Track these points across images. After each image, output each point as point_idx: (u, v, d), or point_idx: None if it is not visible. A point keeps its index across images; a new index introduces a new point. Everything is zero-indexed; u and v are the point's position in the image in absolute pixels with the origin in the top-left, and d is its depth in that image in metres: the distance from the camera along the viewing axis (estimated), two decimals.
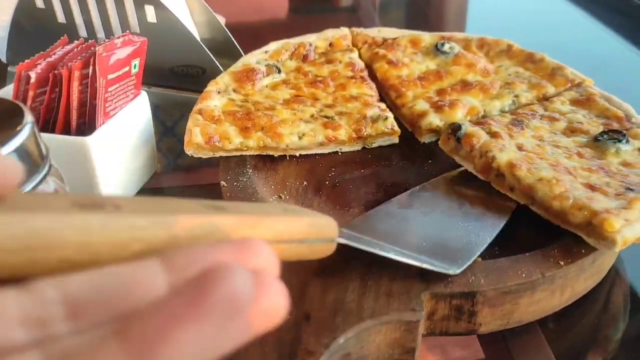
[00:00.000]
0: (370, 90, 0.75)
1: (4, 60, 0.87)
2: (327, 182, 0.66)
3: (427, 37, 0.84)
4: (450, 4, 1.57)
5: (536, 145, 0.62)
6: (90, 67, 0.61)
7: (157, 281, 0.25)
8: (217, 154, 0.66)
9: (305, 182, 0.66)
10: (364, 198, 0.63)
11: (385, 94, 0.78)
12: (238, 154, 0.66)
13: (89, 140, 0.60)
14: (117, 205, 0.26)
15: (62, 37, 0.66)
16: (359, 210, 0.61)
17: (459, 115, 0.70)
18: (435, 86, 0.76)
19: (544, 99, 0.72)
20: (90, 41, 0.65)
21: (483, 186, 0.61)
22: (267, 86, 0.75)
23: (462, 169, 0.64)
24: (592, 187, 0.55)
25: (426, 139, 0.71)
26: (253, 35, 1.25)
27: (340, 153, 0.70)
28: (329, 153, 0.70)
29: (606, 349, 0.55)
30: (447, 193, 0.62)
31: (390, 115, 0.71)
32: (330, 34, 0.84)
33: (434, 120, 0.70)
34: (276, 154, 0.68)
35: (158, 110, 0.86)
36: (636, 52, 1.12)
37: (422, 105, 0.72)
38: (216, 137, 0.65)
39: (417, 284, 0.49)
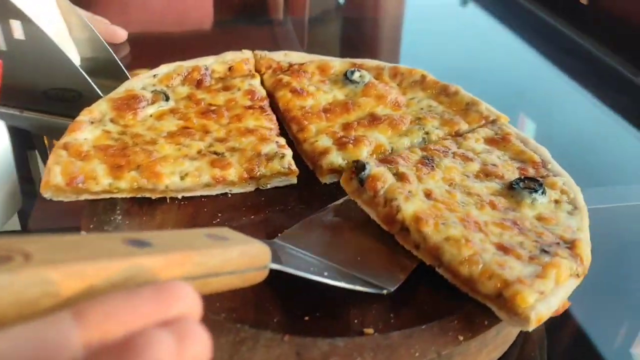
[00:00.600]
0: (269, 123, 0.67)
1: None
2: None
3: (337, 64, 0.77)
4: (384, 27, 1.52)
5: (446, 191, 0.55)
6: None
7: (70, 340, 0.23)
8: (82, 197, 0.57)
9: None
10: None
11: (287, 126, 0.70)
12: (107, 196, 0.57)
13: None
14: (27, 253, 0.24)
15: None
16: None
17: (363, 153, 0.63)
18: (341, 119, 0.69)
19: (457, 136, 0.66)
20: None
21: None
22: (151, 116, 0.66)
23: None
24: (504, 249, 0.48)
25: (327, 179, 0.64)
26: (172, 48, 1.16)
27: (229, 195, 0.62)
28: (217, 195, 0.62)
29: None
30: None
31: (288, 152, 0.63)
32: (230, 57, 0.76)
33: (336, 159, 0.63)
34: (154, 197, 0.59)
35: (30, 137, 0.76)
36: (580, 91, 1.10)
37: (324, 142, 0.65)
38: (80, 178, 0.56)
39: None
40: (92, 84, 0.69)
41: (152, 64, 0.74)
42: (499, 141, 0.64)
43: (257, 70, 0.77)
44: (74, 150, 0.58)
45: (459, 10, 1.47)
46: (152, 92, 0.68)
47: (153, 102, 0.67)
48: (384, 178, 0.55)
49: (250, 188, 0.63)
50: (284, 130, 0.70)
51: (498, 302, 0.45)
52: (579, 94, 1.08)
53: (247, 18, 1.43)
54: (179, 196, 0.60)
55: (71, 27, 0.74)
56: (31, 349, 0.22)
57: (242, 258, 0.36)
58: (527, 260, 0.47)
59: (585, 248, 0.49)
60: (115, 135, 0.62)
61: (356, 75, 0.74)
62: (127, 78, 0.71)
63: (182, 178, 0.59)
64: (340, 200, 0.60)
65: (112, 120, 0.64)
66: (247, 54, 0.78)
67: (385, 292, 0.47)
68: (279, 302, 0.50)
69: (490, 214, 0.53)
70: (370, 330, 0.46)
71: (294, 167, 0.63)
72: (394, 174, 0.56)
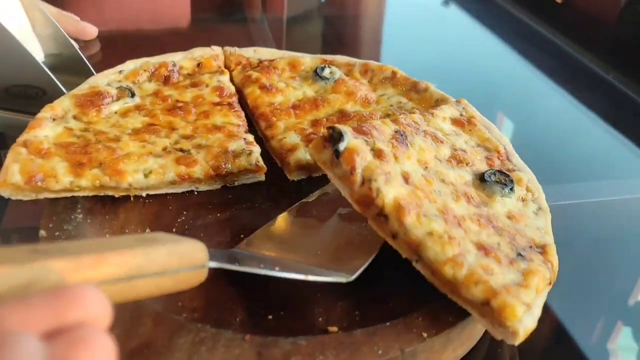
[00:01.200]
0: (237, 120, 0.66)
1: None
2: (174, 229, 0.56)
3: (307, 60, 0.77)
4: (365, 26, 1.51)
5: (422, 176, 0.52)
6: None
7: None
8: (41, 196, 0.55)
9: (148, 229, 0.56)
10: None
11: (256, 123, 0.69)
12: (68, 195, 0.56)
13: None
14: None
15: None
16: None
17: None
18: (310, 116, 0.68)
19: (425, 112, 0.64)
20: None
21: None
22: (116, 112, 0.65)
23: None
24: (485, 250, 0.47)
25: (295, 176, 0.63)
26: (147, 46, 1.14)
27: (196, 193, 0.61)
28: (183, 193, 0.61)
29: None
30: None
31: (256, 149, 0.62)
32: (199, 53, 0.75)
33: (304, 156, 0.62)
34: (117, 195, 0.58)
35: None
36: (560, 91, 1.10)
37: (292, 139, 0.64)
38: (39, 176, 0.54)
39: None
40: (55, 80, 0.67)
41: (124, 62, 0.72)
42: (465, 123, 0.62)
43: (227, 67, 0.76)
44: (34, 147, 0.57)
45: (440, 10, 1.47)
46: (117, 88, 0.67)
47: (118, 99, 0.66)
48: (364, 152, 0.50)
49: (217, 185, 0.62)
50: (253, 127, 0.69)
51: (483, 310, 0.44)
52: (554, 92, 1.08)
53: (224, 16, 1.42)
54: (143, 194, 0.59)
55: (34, 23, 0.73)
56: None
57: (172, 257, 0.35)
58: (507, 265, 0.46)
59: (554, 254, 0.49)
60: (78, 132, 0.61)
61: (326, 72, 0.73)
62: (93, 74, 0.69)
63: (146, 176, 0.58)
64: (312, 197, 0.59)
65: (74, 117, 0.63)
66: (216, 50, 0.77)
67: (344, 280, 0.47)
68: (243, 301, 0.49)
69: (465, 207, 0.51)
70: (334, 328, 0.46)
71: (261, 164, 0.62)
72: (371, 149, 0.51)
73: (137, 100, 0.67)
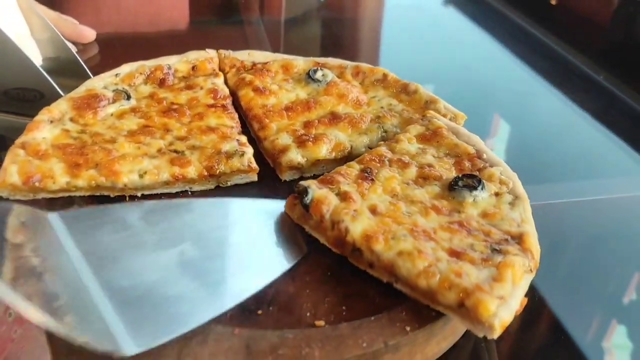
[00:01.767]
0: (231, 121, 0.68)
1: None
2: None
3: (300, 63, 0.78)
4: (363, 28, 1.53)
5: (389, 203, 0.55)
6: None
7: None
8: (39, 196, 0.57)
9: None
10: None
11: (249, 124, 0.71)
12: (66, 194, 0.58)
13: None
14: None
15: None
16: None
17: (322, 151, 0.64)
18: (302, 117, 0.70)
19: (389, 140, 0.65)
20: None
21: None
22: (112, 115, 0.67)
23: None
24: (457, 254, 0.49)
25: (287, 176, 0.65)
26: (145, 48, 1.16)
27: (190, 193, 0.63)
28: (177, 193, 0.62)
29: None
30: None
31: (248, 150, 0.64)
32: (194, 56, 0.77)
33: (295, 156, 0.64)
34: (113, 195, 0.59)
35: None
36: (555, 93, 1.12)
37: (284, 140, 0.66)
38: (37, 177, 0.56)
39: (241, 359, 0.42)
40: (53, 83, 0.69)
41: (122, 65, 0.74)
42: (431, 136, 0.64)
43: (221, 69, 0.78)
44: (32, 149, 0.59)
45: (437, 13, 1.48)
46: (113, 91, 0.68)
47: (114, 101, 0.68)
48: (328, 200, 0.54)
49: (210, 186, 0.63)
50: (246, 128, 0.71)
51: (461, 312, 0.45)
52: (548, 92, 1.10)
53: (222, 18, 1.44)
54: (138, 194, 0.60)
55: (32, 27, 0.74)
56: None
57: None
58: (480, 263, 0.47)
59: (533, 241, 0.50)
60: (75, 134, 0.63)
61: (319, 74, 0.75)
62: (90, 77, 0.71)
63: (141, 176, 0.59)
64: None
65: (71, 120, 0.64)
66: (211, 53, 0.78)
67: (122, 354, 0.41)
68: None
69: (436, 219, 0.53)
70: (321, 323, 0.47)
71: (254, 164, 0.63)
72: (337, 194, 0.55)
73: (132, 102, 0.69)
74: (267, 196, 0.63)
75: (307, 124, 0.68)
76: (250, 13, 1.45)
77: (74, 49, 0.79)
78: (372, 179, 0.57)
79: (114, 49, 1.09)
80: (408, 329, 0.46)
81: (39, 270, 0.42)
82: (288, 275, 0.52)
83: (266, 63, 0.78)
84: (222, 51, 0.79)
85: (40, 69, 0.68)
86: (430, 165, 0.59)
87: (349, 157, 0.65)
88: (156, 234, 0.49)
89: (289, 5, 1.53)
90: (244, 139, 0.66)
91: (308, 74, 0.75)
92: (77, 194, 0.58)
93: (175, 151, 0.63)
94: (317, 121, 0.69)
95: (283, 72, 0.77)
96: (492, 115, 1.05)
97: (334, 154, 0.65)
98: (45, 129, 0.62)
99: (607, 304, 0.64)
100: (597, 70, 1.09)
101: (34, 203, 0.58)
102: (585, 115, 1.02)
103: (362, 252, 0.51)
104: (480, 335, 0.44)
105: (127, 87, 0.70)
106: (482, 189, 0.56)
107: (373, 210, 0.53)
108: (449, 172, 0.59)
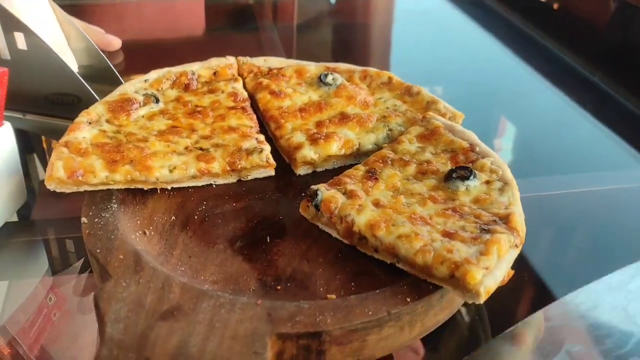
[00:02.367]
0: (250, 122, 0.75)
1: None
2: (195, 217, 0.65)
3: (312, 68, 0.85)
4: (374, 33, 1.58)
5: (391, 197, 0.62)
6: None
7: None
8: (81, 189, 0.64)
9: (173, 217, 0.65)
10: (231, 233, 0.63)
11: (266, 124, 0.78)
12: (104, 187, 0.65)
13: None
14: None
15: None
16: (224, 246, 0.61)
17: (333, 148, 0.71)
18: (315, 118, 0.76)
19: (392, 142, 0.72)
20: None
21: None
22: (143, 116, 0.74)
23: None
24: (450, 235, 0.55)
25: (301, 171, 0.72)
26: (165, 55, 1.23)
27: (214, 186, 0.69)
28: (203, 186, 0.69)
29: None
30: None
31: (266, 147, 0.71)
32: (215, 62, 0.84)
33: (309, 153, 0.70)
34: (146, 188, 0.66)
35: (34, 138, 0.84)
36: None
37: (298, 138, 0.72)
38: (80, 171, 0.63)
39: (263, 326, 0.49)
40: (89, 88, 0.76)
41: (146, 70, 0.81)
42: (429, 136, 0.70)
43: (240, 75, 0.85)
44: (74, 147, 0.66)
45: (446, 18, 1.54)
46: (143, 95, 0.76)
47: (144, 104, 0.75)
48: (336, 199, 0.61)
49: (232, 179, 0.70)
50: (264, 128, 0.77)
51: (452, 283, 0.52)
52: (549, 91, 1.16)
53: (236, 25, 1.50)
54: (169, 187, 0.67)
55: (69, 37, 0.82)
56: None
57: None
58: (470, 241, 0.54)
59: (518, 220, 0.57)
60: (111, 134, 0.70)
61: (329, 78, 0.82)
62: (121, 83, 0.78)
63: (170, 171, 0.66)
64: None
65: (107, 121, 0.72)
66: (230, 59, 0.85)
67: None
68: (256, 275, 0.57)
69: (433, 207, 0.60)
70: (332, 296, 0.54)
71: (271, 160, 0.70)
72: (344, 194, 0.62)
73: (161, 105, 0.76)
74: (283, 189, 0.70)
75: (319, 124, 0.75)
76: (264, 20, 1.51)
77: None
78: (376, 178, 0.64)
79: (137, 56, 1.16)
80: (408, 300, 0.52)
81: None
82: (304, 257, 0.59)
83: (281, 68, 0.85)
84: (240, 58, 0.86)
85: (78, 75, 0.76)
86: (428, 162, 0.66)
87: (357, 153, 0.72)
88: None
89: (301, 11, 1.60)
90: (262, 137, 0.73)
91: (319, 78, 0.82)
92: (115, 187, 0.65)
93: (201, 149, 0.69)
94: (328, 121, 0.75)
95: (297, 76, 0.84)
96: (497, 115, 1.11)
97: (343, 150, 0.71)
98: (84, 130, 0.69)
99: None
100: (593, 71, 1.15)
101: (58, 198, 0.64)
102: (582, 112, 1.08)
103: (367, 240, 0.58)
104: (470, 302, 0.51)
105: (155, 91, 0.77)
106: (473, 178, 0.62)
107: (376, 204, 0.61)
108: (445, 166, 0.65)
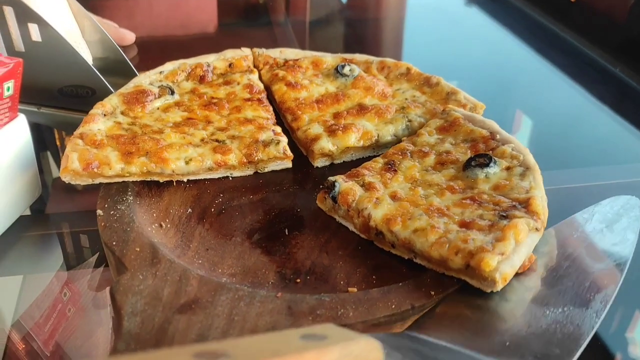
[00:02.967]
0: (266, 113, 0.74)
1: None
2: (212, 209, 0.64)
3: (329, 59, 0.84)
4: (386, 28, 1.57)
5: (409, 189, 0.60)
6: None
7: None
8: (97, 181, 0.63)
9: (189, 209, 0.63)
10: (249, 226, 0.62)
11: (283, 116, 0.77)
12: (120, 180, 0.64)
13: None
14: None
15: None
16: (241, 239, 0.60)
17: (352, 139, 0.69)
18: (332, 109, 0.75)
19: (411, 135, 0.71)
20: None
21: None
22: (158, 108, 0.73)
23: None
24: (466, 225, 0.54)
25: (319, 163, 0.70)
26: (177, 50, 1.22)
27: (231, 178, 0.68)
28: (219, 178, 0.68)
29: None
30: None
31: (283, 139, 0.70)
32: (230, 54, 0.82)
33: (326, 144, 0.69)
34: (162, 180, 0.65)
35: (48, 131, 0.83)
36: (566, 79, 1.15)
37: (316, 129, 0.71)
38: (95, 163, 0.62)
39: (283, 319, 0.48)
40: (104, 80, 0.75)
41: (159, 64, 0.80)
42: (449, 127, 0.68)
43: (256, 66, 0.83)
44: (89, 139, 0.65)
45: (458, 11, 1.52)
46: (158, 87, 0.75)
47: (160, 96, 0.74)
48: (353, 192, 0.60)
49: (249, 172, 0.69)
50: (280, 119, 0.76)
51: (469, 273, 0.50)
52: (566, 85, 1.13)
53: (249, 20, 1.49)
54: (185, 179, 0.66)
55: (84, 29, 0.81)
56: None
57: (345, 359, 0.34)
58: (487, 229, 0.52)
59: (539, 203, 0.55)
60: (126, 125, 0.69)
61: (346, 69, 0.80)
62: (136, 75, 0.77)
63: (187, 163, 0.65)
64: None
65: (122, 113, 0.71)
66: (246, 51, 0.84)
67: None
68: (275, 268, 0.56)
69: (451, 198, 0.58)
70: (354, 289, 0.52)
71: (288, 152, 0.69)
72: (362, 186, 0.61)
73: (176, 97, 0.75)
74: (300, 181, 0.69)
75: (336, 115, 0.74)
76: (277, 14, 1.50)
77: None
78: (395, 170, 0.63)
79: (150, 52, 1.15)
80: (432, 293, 0.51)
81: None
82: (323, 250, 0.58)
83: (297, 60, 0.83)
84: (256, 49, 0.85)
85: (93, 67, 0.75)
86: (447, 152, 0.65)
87: (375, 144, 0.70)
88: None
89: (313, 7, 1.58)
90: (278, 129, 0.72)
91: (336, 69, 0.80)
92: (131, 179, 0.64)
93: (217, 140, 0.68)
94: (345, 112, 0.74)
95: (313, 67, 0.82)
96: (513, 108, 1.09)
97: (362, 142, 0.70)
98: (99, 121, 0.68)
99: (631, 294, 0.63)
100: (614, 63, 1.12)
101: (69, 192, 0.63)
102: (602, 105, 1.06)
103: (384, 235, 0.56)
104: (488, 290, 0.50)
105: (170, 83, 0.76)
106: (493, 165, 0.60)
107: (393, 197, 0.59)
108: (464, 155, 0.64)
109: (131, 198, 0.62)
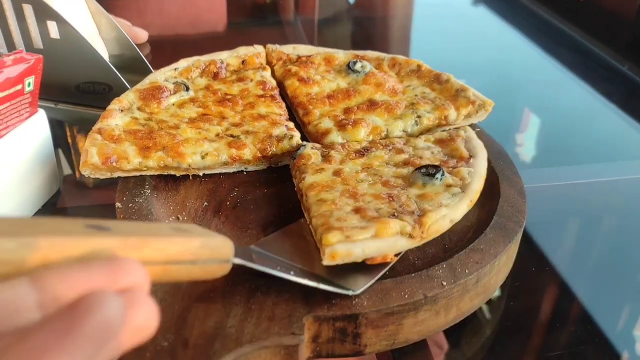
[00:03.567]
0: (279, 109, 0.75)
1: None
2: (228, 203, 0.65)
3: (341, 55, 0.85)
4: (394, 26, 1.58)
5: (355, 172, 0.62)
6: None
7: (26, 301, 0.25)
8: (115, 175, 0.65)
9: (205, 203, 0.65)
10: (264, 219, 0.63)
11: (295, 111, 0.78)
12: (138, 174, 0.65)
13: None
14: None
15: None
16: (257, 232, 0.61)
17: (361, 134, 0.71)
18: (343, 104, 0.76)
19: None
20: None
21: None
22: (173, 104, 0.74)
23: None
24: (358, 210, 0.55)
25: None
26: (188, 49, 1.24)
27: (245, 172, 0.70)
28: (234, 172, 0.69)
29: None
30: None
31: (296, 134, 0.71)
32: (243, 51, 0.84)
33: (336, 138, 0.70)
34: (178, 174, 0.67)
35: (65, 127, 0.84)
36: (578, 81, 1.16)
37: (326, 124, 0.72)
38: (114, 157, 0.64)
39: (299, 308, 0.49)
40: (121, 77, 0.77)
41: (171, 62, 0.81)
42: (447, 141, 0.68)
43: (268, 63, 0.85)
44: (107, 134, 0.66)
45: (466, 10, 1.53)
46: (173, 83, 0.76)
47: (175, 92, 0.75)
48: (310, 158, 0.64)
49: (263, 166, 0.70)
50: (293, 116, 0.78)
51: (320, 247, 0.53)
52: (574, 83, 1.14)
53: (258, 19, 1.50)
54: (200, 173, 0.68)
55: (100, 27, 0.82)
56: None
57: (203, 249, 0.38)
58: (367, 219, 0.53)
59: (431, 218, 0.54)
60: (142, 121, 0.70)
61: (358, 66, 0.81)
62: (151, 72, 0.79)
63: (202, 157, 0.66)
64: None
65: (139, 109, 0.72)
66: (258, 48, 0.86)
67: (350, 292, 0.50)
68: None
69: (377, 189, 0.59)
70: None
71: None
72: (323, 156, 0.65)
73: (191, 93, 0.76)
74: None
75: (346, 110, 0.75)
76: (286, 13, 1.51)
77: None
78: (363, 154, 0.66)
79: (162, 50, 1.17)
80: (444, 283, 0.52)
81: None
82: None
83: (310, 56, 0.85)
84: (269, 45, 0.87)
85: (109, 64, 0.76)
86: (421, 157, 0.65)
87: (385, 139, 0.72)
88: None
89: (321, 5, 1.60)
90: (291, 124, 0.73)
91: (348, 65, 0.82)
92: (148, 173, 0.65)
93: (232, 135, 0.70)
94: (356, 107, 0.75)
95: (325, 64, 0.84)
96: (521, 106, 1.10)
97: (371, 137, 0.71)
98: (117, 117, 0.69)
99: (637, 290, 0.65)
100: (622, 61, 1.13)
101: (80, 188, 0.65)
102: (609, 103, 1.07)
103: (304, 198, 0.60)
104: (325, 264, 0.51)
105: (185, 79, 0.78)
106: (438, 179, 0.59)
107: (336, 173, 0.62)
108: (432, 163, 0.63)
109: (148, 191, 0.64)
